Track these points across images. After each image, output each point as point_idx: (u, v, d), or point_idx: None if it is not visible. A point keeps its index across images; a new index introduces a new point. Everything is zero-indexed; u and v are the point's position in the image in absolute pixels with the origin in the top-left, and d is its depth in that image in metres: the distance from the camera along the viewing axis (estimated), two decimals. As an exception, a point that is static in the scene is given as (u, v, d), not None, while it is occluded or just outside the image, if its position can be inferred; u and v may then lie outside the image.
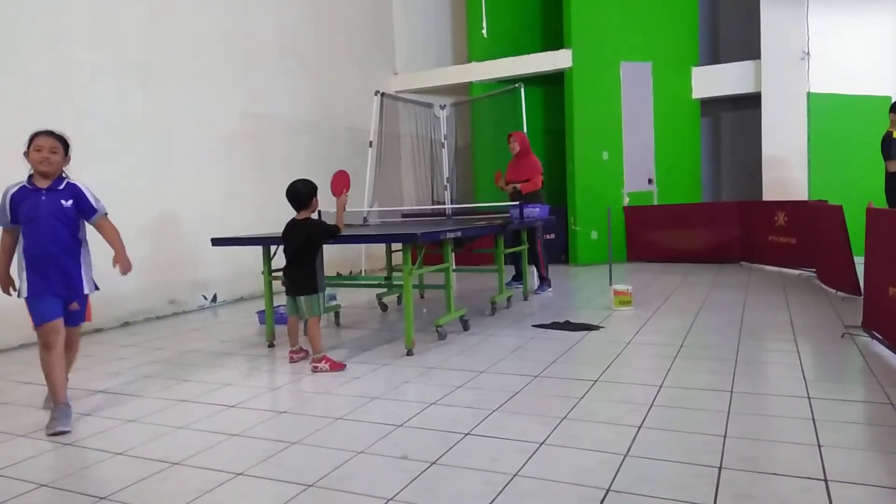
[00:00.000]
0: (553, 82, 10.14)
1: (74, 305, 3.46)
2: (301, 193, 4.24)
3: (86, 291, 3.49)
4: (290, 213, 4.34)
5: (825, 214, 6.44)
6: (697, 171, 9.99)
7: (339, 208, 4.40)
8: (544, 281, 7.06)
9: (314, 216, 4.40)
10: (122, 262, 3.58)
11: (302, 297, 4.23)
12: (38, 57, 5.57)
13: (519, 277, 7.13)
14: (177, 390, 3.87)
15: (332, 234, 4.30)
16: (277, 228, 4.60)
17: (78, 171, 5.81)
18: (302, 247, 4.23)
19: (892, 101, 6.94)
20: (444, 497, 2.33)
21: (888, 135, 6.67)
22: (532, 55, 9.95)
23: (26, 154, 3.34)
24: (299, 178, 4.37)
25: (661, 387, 3.52)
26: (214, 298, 7.25)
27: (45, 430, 3.18)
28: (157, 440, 3.04)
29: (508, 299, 6.33)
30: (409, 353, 4.48)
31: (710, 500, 2.21)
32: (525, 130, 7.85)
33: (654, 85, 9.67)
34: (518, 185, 6.81)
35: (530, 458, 2.63)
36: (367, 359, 4.45)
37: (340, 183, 4.64)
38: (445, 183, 8.83)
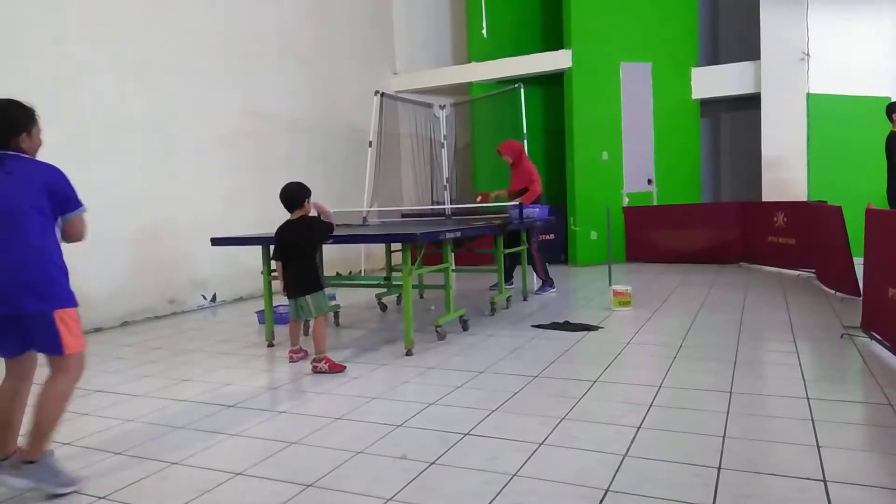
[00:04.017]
0: (553, 82, 10.14)
1: None
2: (295, 194, 4.26)
3: None
4: (284, 214, 4.35)
5: (824, 215, 6.44)
6: (697, 172, 10.00)
7: (321, 208, 4.36)
8: (545, 282, 7.06)
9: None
10: None
11: (308, 297, 4.22)
12: (38, 56, 5.57)
13: (508, 277, 7.12)
14: (176, 390, 3.87)
15: (329, 230, 4.30)
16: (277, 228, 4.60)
17: (77, 171, 5.82)
18: (304, 245, 4.23)
19: (889, 102, 6.94)
20: (444, 497, 2.33)
21: (892, 135, 6.67)
22: (532, 55, 9.95)
23: (32, 134, 2.60)
24: (295, 179, 4.39)
25: (660, 387, 3.52)
26: (214, 298, 7.25)
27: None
28: (156, 439, 3.04)
29: (508, 299, 6.33)
30: (409, 353, 4.48)
31: (709, 501, 2.21)
32: (525, 130, 7.86)
33: (654, 85, 9.68)
34: (519, 200, 6.81)
35: (529, 458, 2.63)
36: (367, 359, 4.45)
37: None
38: (445, 183, 8.84)
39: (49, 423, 2.48)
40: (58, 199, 2.49)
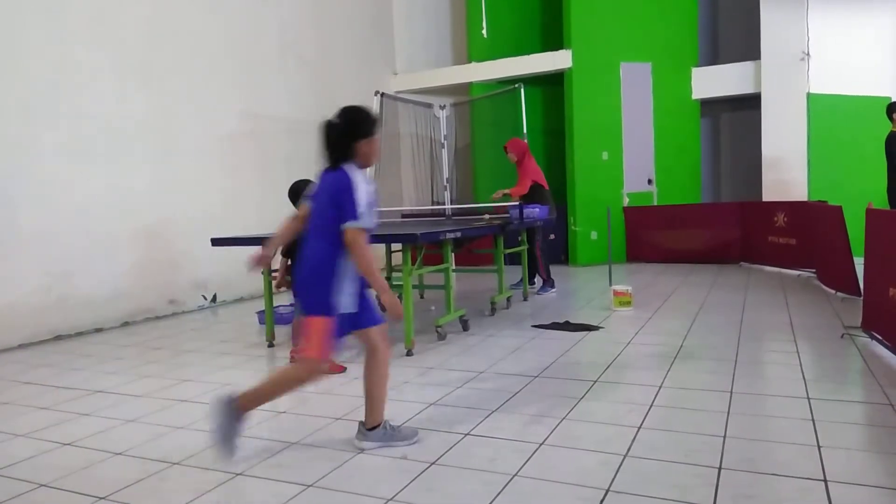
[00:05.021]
0: (553, 83, 10.14)
1: None
2: (300, 192, 4.24)
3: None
4: (291, 212, 4.34)
5: (825, 215, 6.44)
6: (697, 172, 9.99)
7: None
8: (546, 282, 7.05)
9: None
10: None
11: None
12: (38, 57, 5.57)
13: (530, 277, 7.14)
14: (176, 390, 3.87)
15: None
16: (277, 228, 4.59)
17: (78, 172, 5.84)
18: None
19: (889, 102, 6.94)
20: (444, 497, 2.33)
21: (892, 135, 6.67)
22: (532, 56, 9.95)
23: (369, 138, 2.72)
24: (294, 180, 4.39)
25: (660, 387, 3.52)
26: (214, 298, 7.25)
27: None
28: (156, 440, 3.04)
29: (508, 300, 6.33)
30: (409, 354, 4.48)
31: (710, 501, 2.21)
32: (525, 131, 7.85)
33: (654, 85, 9.67)
34: (507, 191, 6.83)
35: (530, 458, 2.63)
36: (367, 359, 4.45)
37: None
38: (445, 183, 8.83)
39: (263, 392, 2.74)
40: (337, 207, 2.56)
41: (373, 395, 2.82)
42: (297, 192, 4.28)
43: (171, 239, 6.73)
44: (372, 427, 2.82)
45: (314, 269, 2.65)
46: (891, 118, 6.74)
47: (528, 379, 3.77)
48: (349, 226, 2.55)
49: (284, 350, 4.70)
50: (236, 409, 2.68)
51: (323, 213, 2.63)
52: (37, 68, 5.55)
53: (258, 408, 2.76)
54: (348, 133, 2.66)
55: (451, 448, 2.77)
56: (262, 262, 3.06)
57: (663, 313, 5.67)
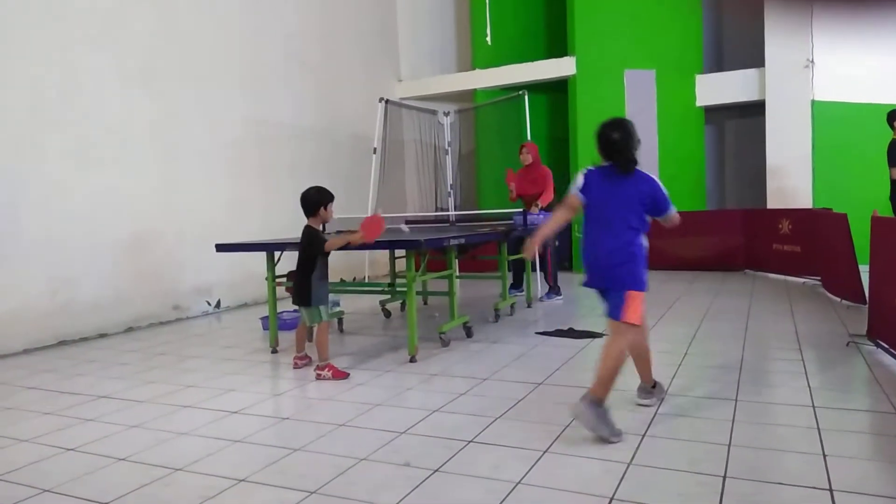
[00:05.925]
0: (557, 90, 10.16)
1: None
2: (308, 200, 4.22)
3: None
4: (295, 218, 4.34)
5: (830, 222, 6.43)
6: (701, 179, 9.98)
7: (346, 238, 4.21)
8: (552, 289, 7.04)
9: (320, 227, 4.37)
10: None
11: (302, 307, 4.24)
12: (43, 62, 5.60)
13: (518, 284, 7.12)
14: (180, 396, 3.88)
15: (317, 247, 4.13)
16: (281, 234, 4.61)
17: (82, 177, 5.87)
18: (301, 255, 4.21)
19: (890, 110, 6.93)
20: (447, 505, 2.32)
21: (894, 142, 6.67)
22: (536, 62, 9.97)
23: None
24: (311, 185, 4.32)
25: (664, 395, 3.50)
26: (218, 304, 7.26)
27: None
28: (159, 446, 3.04)
29: (512, 306, 6.32)
30: (413, 360, 4.47)
31: (715, 510, 2.19)
32: (529, 138, 7.87)
33: (658, 92, 9.68)
34: (538, 202, 6.77)
35: (533, 465, 2.62)
36: (371, 365, 4.45)
37: (371, 227, 4.48)
38: (449, 189, 8.84)
39: (606, 373, 2.97)
40: (649, 203, 3.19)
41: (600, 369, 3.01)
42: (307, 200, 4.22)
43: (175, 244, 6.75)
44: (594, 400, 2.92)
45: (631, 253, 3.20)
46: (891, 126, 6.73)
47: (531, 386, 3.76)
48: (672, 211, 3.29)
49: (288, 356, 4.70)
50: (597, 405, 2.89)
51: (629, 208, 3.18)
52: (41, 73, 5.58)
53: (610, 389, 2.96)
54: (631, 142, 3.17)
55: (454, 455, 2.77)
56: (533, 250, 3.47)
57: (668, 321, 5.65)
